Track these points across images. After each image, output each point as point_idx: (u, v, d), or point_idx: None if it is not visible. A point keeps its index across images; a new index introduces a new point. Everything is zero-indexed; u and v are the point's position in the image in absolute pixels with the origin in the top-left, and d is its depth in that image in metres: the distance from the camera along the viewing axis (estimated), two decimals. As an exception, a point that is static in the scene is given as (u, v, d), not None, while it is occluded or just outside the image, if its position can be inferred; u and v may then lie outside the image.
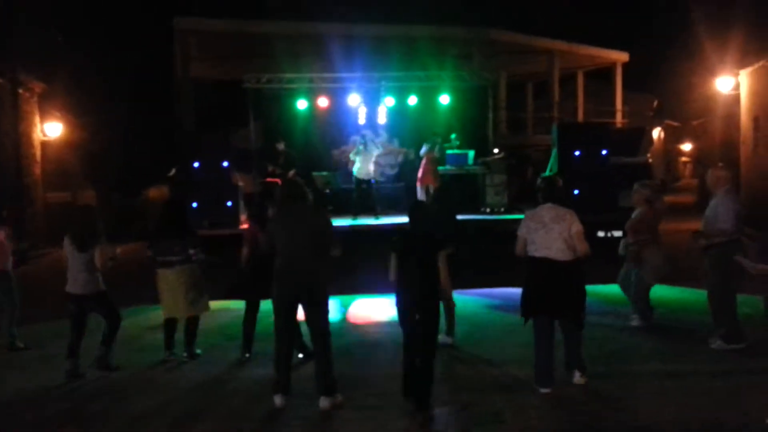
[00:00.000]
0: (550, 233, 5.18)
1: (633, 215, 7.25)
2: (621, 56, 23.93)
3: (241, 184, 12.06)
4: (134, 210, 19.36)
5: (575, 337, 5.34)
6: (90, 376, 6.07)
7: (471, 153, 12.76)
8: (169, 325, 6.54)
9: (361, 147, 11.89)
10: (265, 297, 6.39)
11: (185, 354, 6.46)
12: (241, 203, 11.63)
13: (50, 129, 18.01)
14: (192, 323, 6.54)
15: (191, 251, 6.31)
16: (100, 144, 19.37)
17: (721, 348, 6.16)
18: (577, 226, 5.19)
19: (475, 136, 13.61)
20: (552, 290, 5.19)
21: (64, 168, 18.72)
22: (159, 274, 6.38)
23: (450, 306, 6.56)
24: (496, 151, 13.87)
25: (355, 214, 11.80)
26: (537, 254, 5.22)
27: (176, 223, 6.37)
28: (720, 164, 7.26)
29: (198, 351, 6.56)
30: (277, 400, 5.12)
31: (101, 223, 6.36)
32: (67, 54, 18.42)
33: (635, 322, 7.23)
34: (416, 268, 5.01)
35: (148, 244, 6.41)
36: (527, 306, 5.32)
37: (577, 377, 5.31)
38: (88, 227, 6.23)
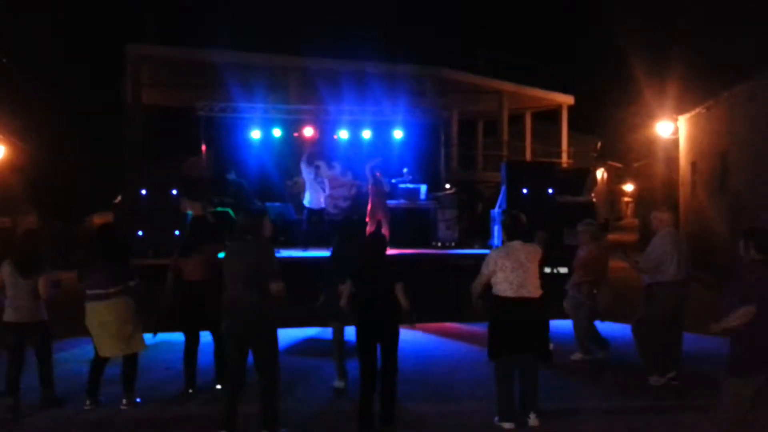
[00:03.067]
0: (527, 272, 5.23)
1: (581, 253, 7.37)
2: (567, 99, 24.77)
3: (190, 212, 11.85)
4: (77, 237, 18.78)
5: (533, 379, 5.34)
6: (27, 412, 5.79)
7: (423, 188, 12.91)
8: (98, 365, 5.89)
9: (312, 175, 11.91)
10: (201, 328, 6.30)
11: (124, 401, 5.84)
12: (190, 232, 11.41)
13: (-9, 151, 17.40)
14: (130, 364, 5.90)
15: (131, 283, 5.81)
16: (43, 168, 18.81)
17: (657, 382, 6.26)
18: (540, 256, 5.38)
19: (427, 171, 13.79)
20: (527, 328, 5.21)
21: (5, 192, 18.07)
22: (88, 309, 5.72)
23: None
24: (447, 186, 14.07)
25: (306, 245, 11.74)
26: (511, 294, 5.20)
27: (108, 252, 5.82)
28: (663, 206, 7.52)
29: (138, 399, 5.97)
30: None
31: (45, 249, 6.12)
32: (12, 75, 17.95)
33: (576, 356, 7.37)
34: (378, 297, 5.20)
35: (78, 275, 5.85)
36: (499, 345, 5.27)
37: (533, 419, 5.28)
38: (32, 252, 5.96)
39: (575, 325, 7.42)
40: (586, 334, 7.36)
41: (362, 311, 5.27)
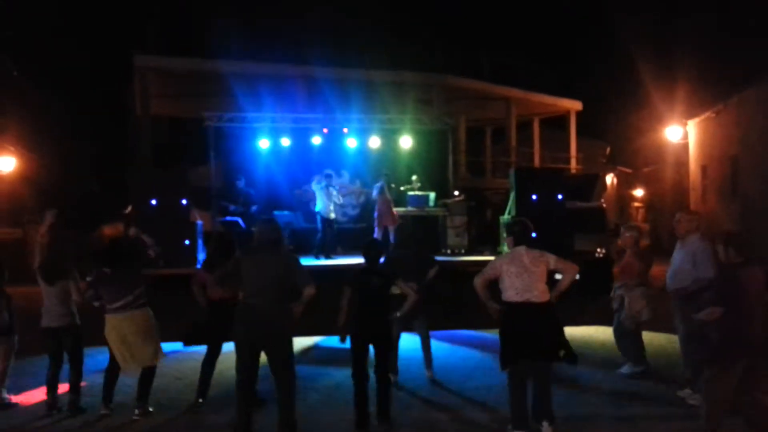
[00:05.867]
0: (532, 276, 5.18)
1: (624, 258, 6.99)
2: (575, 105, 24.71)
3: (200, 222, 11.90)
4: (87, 247, 18.84)
5: (546, 386, 5.28)
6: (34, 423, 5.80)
7: (432, 195, 12.90)
8: (112, 374, 5.93)
9: (323, 184, 11.91)
10: (226, 340, 6.29)
11: (137, 411, 5.85)
12: (200, 242, 11.45)
13: (3, 163, 17.56)
14: (148, 374, 5.94)
15: (150, 250, 5.91)
16: (54, 179, 18.93)
17: (689, 397, 5.98)
18: (553, 257, 5.28)
19: (436, 178, 13.79)
20: (535, 333, 5.15)
21: (16, 203, 18.20)
22: (108, 321, 5.73)
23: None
24: (456, 193, 14.05)
25: (318, 254, 11.76)
26: (517, 299, 5.17)
27: (123, 262, 5.83)
28: (687, 208, 7.33)
29: (150, 409, 5.99)
30: None
31: (72, 256, 6.23)
32: (22, 86, 18.11)
33: (625, 369, 7.04)
34: (373, 302, 5.49)
35: (91, 290, 5.85)
36: (511, 352, 5.22)
37: (546, 427, 5.20)
38: (57, 260, 6.14)
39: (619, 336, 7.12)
40: (621, 343, 7.05)
41: (358, 315, 5.48)
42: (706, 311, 4.78)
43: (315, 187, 12.03)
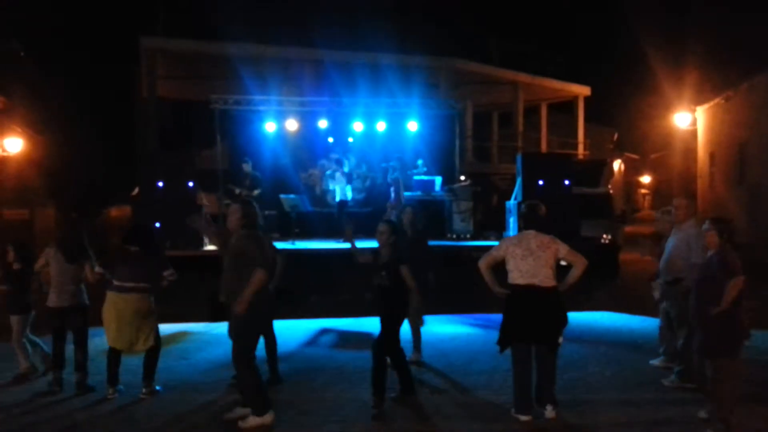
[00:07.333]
0: (538, 261, 5.15)
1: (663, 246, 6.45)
2: (583, 90, 24.54)
3: (206, 204, 11.93)
4: (94, 229, 18.97)
5: (550, 371, 5.28)
6: (45, 403, 5.88)
7: (438, 179, 12.89)
8: (115, 355, 5.93)
9: (330, 172, 11.92)
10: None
11: (144, 390, 5.90)
12: (206, 224, 11.47)
13: (10, 144, 17.60)
14: (152, 354, 5.98)
15: (165, 273, 5.90)
16: (61, 161, 18.99)
17: (673, 385, 6.02)
18: (564, 247, 5.25)
19: (442, 163, 13.78)
20: (537, 317, 5.16)
21: (24, 185, 18.27)
22: (109, 297, 5.81)
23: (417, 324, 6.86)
24: (462, 178, 14.03)
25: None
26: (521, 282, 5.17)
27: (143, 248, 5.87)
28: (685, 193, 7.15)
29: (158, 387, 6.03)
30: (268, 417, 5.09)
31: (87, 238, 6.34)
32: (29, 68, 18.11)
33: (658, 361, 6.71)
34: (384, 279, 5.60)
35: (103, 266, 5.98)
36: (509, 334, 5.26)
37: (549, 411, 5.22)
38: (78, 239, 6.27)
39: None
40: (663, 337, 6.69)
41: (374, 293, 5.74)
42: (730, 287, 4.75)
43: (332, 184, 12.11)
